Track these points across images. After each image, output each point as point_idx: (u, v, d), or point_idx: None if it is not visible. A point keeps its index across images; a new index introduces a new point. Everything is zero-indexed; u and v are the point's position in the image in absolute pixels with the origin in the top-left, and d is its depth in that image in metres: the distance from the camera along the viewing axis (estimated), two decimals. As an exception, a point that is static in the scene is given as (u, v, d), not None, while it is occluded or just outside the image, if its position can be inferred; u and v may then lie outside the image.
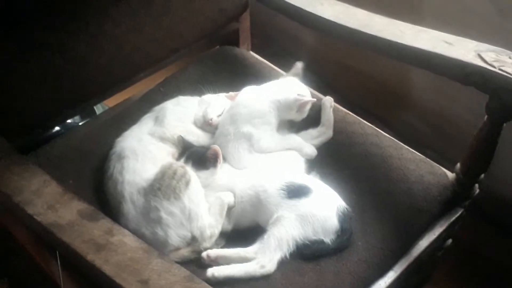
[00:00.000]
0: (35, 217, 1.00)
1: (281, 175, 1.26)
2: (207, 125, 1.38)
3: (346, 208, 1.22)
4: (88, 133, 1.46)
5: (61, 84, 1.33)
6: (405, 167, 1.36)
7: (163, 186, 1.19)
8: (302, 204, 1.20)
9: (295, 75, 1.47)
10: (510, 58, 1.18)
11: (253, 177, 1.27)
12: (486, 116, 1.23)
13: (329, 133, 1.42)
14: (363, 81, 2.09)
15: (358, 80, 2.11)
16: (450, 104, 1.85)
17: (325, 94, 1.51)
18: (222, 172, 1.29)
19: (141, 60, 1.48)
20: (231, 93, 1.44)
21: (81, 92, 1.39)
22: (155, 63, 1.53)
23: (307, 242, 1.17)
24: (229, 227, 1.25)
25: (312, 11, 1.40)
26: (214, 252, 1.18)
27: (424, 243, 1.31)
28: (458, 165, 1.35)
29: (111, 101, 1.65)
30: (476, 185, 1.37)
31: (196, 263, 1.18)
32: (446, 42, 1.25)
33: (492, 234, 1.85)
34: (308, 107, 1.38)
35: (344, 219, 1.20)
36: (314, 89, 1.55)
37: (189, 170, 1.23)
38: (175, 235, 1.19)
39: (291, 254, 1.17)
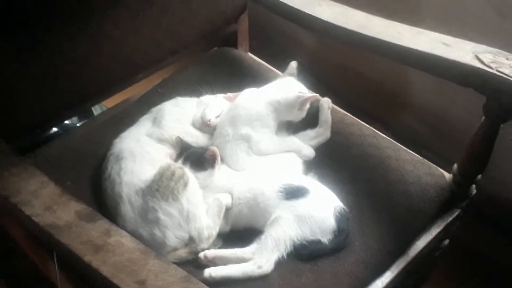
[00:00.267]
0: (32, 218, 1.01)
1: (278, 177, 1.26)
2: (205, 126, 1.39)
3: (343, 209, 1.23)
4: (86, 134, 1.46)
5: (60, 84, 1.33)
6: (402, 168, 1.36)
7: (161, 187, 1.19)
8: (299, 204, 1.20)
9: (290, 75, 1.46)
10: (507, 59, 1.18)
11: (251, 180, 1.27)
12: (483, 117, 1.23)
13: (327, 134, 1.42)
14: (361, 82, 2.09)
15: (356, 81, 2.11)
16: (447, 105, 1.85)
17: (323, 95, 1.51)
18: (220, 174, 1.29)
19: (140, 61, 1.48)
20: (229, 94, 1.45)
21: (80, 93, 1.39)
22: (153, 64, 1.54)
23: (305, 242, 1.18)
24: (226, 228, 1.25)
25: (310, 13, 1.41)
26: (211, 253, 1.18)
27: (421, 243, 1.32)
28: (455, 166, 1.35)
29: (109, 102, 1.65)
30: (473, 185, 1.38)
31: (193, 264, 1.18)
32: (444, 44, 1.25)
33: (489, 234, 1.85)
34: (308, 104, 1.38)
35: (341, 219, 1.20)
36: (312, 90, 1.54)
37: (187, 171, 1.23)
38: (173, 236, 1.19)
39: (288, 255, 1.17)
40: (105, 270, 0.92)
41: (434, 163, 1.40)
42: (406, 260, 1.29)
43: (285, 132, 1.41)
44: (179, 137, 1.33)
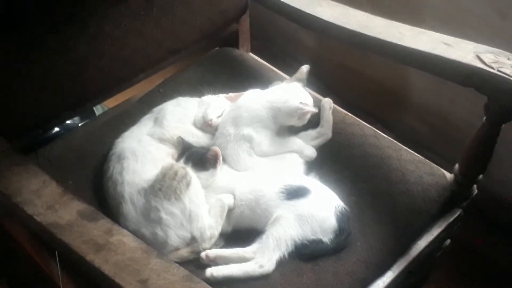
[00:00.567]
0: (34, 217, 1.01)
1: (280, 178, 1.27)
2: (206, 126, 1.39)
3: (344, 208, 1.23)
4: (87, 134, 1.46)
5: (61, 84, 1.33)
6: (404, 168, 1.36)
7: (163, 187, 1.19)
8: (300, 204, 1.20)
9: (299, 80, 1.45)
10: (508, 59, 1.18)
11: (253, 181, 1.27)
12: (484, 117, 1.23)
13: (328, 134, 1.43)
14: (362, 82, 2.10)
15: (358, 81, 2.11)
16: (449, 105, 1.85)
17: (324, 95, 1.51)
18: (222, 174, 1.29)
19: (141, 61, 1.48)
20: (230, 94, 1.45)
21: (81, 93, 1.39)
22: (155, 64, 1.54)
23: (306, 242, 1.18)
24: (228, 229, 1.25)
25: (311, 13, 1.41)
26: (213, 252, 1.18)
27: (422, 243, 1.32)
28: (457, 166, 1.35)
29: (111, 102, 1.65)
30: (475, 185, 1.37)
31: (195, 264, 1.18)
32: (445, 44, 1.25)
33: (490, 234, 1.86)
34: (309, 116, 1.37)
35: (342, 219, 1.20)
36: (314, 90, 1.55)
37: (190, 171, 1.23)
38: (175, 236, 1.19)
39: (289, 254, 1.17)
40: (107, 269, 0.92)
41: (435, 163, 1.40)
42: (407, 260, 1.28)
43: (287, 132, 1.41)
44: (180, 137, 1.33)
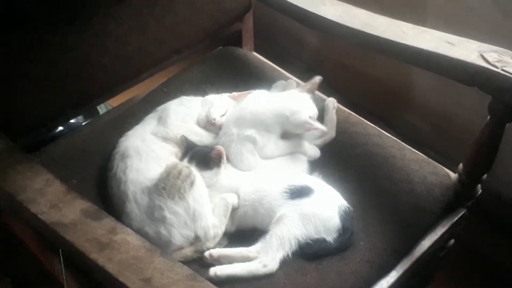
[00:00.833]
0: (38, 216, 1.01)
1: (283, 178, 1.27)
2: (210, 125, 1.38)
3: (348, 207, 1.23)
4: (91, 133, 1.47)
5: (64, 83, 1.34)
6: (407, 168, 1.36)
7: (167, 186, 1.19)
8: (304, 203, 1.20)
9: (310, 91, 1.40)
10: (512, 58, 1.18)
11: (257, 181, 1.27)
12: (488, 117, 1.23)
13: (332, 134, 1.43)
14: (366, 81, 2.10)
15: (361, 80, 2.11)
16: (452, 105, 1.85)
17: (328, 95, 1.51)
18: (226, 173, 1.29)
19: (144, 60, 1.48)
20: (234, 94, 1.44)
21: (84, 92, 1.39)
22: (158, 63, 1.54)
23: (309, 241, 1.18)
24: (232, 228, 1.25)
25: (314, 11, 1.40)
26: (217, 252, 1.18)
27: (426, 243, 1.31)
28: (461, 165, 1.35)
29: (114, 101, 1.65)
30: (479, 185, 1.37)
31: (199, 263, 1.18)
32: (449, 43, 1.25)
33: (494, 234, 1.85)
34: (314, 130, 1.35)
35: (345, 218, 1.20)
36: (317, 90, 1.55)
37: (194, 170, 1.23)
38: (179, 235, 1.19)
39: (293, 254, 1.17)
40: (111, 268, 0.92)
41: (439, 162, 1.40)
42: (411, 260, 1.28)
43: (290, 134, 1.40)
44: (183, 135, 1.33)
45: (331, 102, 1.46)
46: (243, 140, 1.33)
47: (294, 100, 1.36)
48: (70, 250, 0.98)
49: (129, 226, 1.13)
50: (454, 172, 1.38)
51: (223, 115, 1.38)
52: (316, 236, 1.18)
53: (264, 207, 1.22)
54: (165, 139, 1.34)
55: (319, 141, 1.41)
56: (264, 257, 1.15)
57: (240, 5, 1.64)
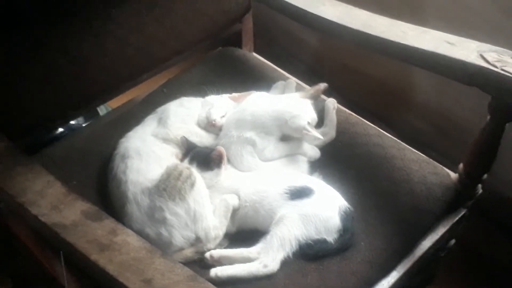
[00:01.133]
0: (39, 217, 1.01)
1: (283, 179, 1.27)
2: (210, 126, 1.38)
3: (348, 208, 1.23)
4: (91, 134, 1.47)
5: (64, 84, 1.34)
6: (408, 168, 1.36)
7: (168, 187, 1.19)
8: (304, 204, 1.20)
9: (313, 97, 1.40)
10: (512, 58, 1.18)
11: (257, 182, 1.27)
12: (488, 116, 1.23)
13: (332, 134, 1.43)
14: (366, 82, 2.09)
15: (361, 81, 2.11)
16: (452, 105, 1.85)
17: (328, 95, 1.51)
18: (226, 174, 1.29)
19: (144, 61, 1.48)
20: (234, 94, 1.44)
21: (84, 93, 1.39)
22: (158, 64, 1.54)
23: (310, 241, 1.18)
24: (233, 229, 1.25)
25: (315, 12, 1.40)
26: (217, 253, 1.18)
27: (427, 243, 1.31)
28: (461, 165, 1.35)
29: (114, 102, 1.65)
30: (479, 185, 1.37)
31: (199, 264, 1.18)
32: (449, 43, 1.25)
33: (495, 234, 1.85)
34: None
35: (346, 218, 1.20)
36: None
37: (195, 171, 1.23)
38: (179, 236, 1.19)
39: (294, 254, 1.17)
40: (111, 269, 0.92)
41: (439, 162, 1.40)
42: (412, 260, 1.28)
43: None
44: (184, 136, 1.33)
45: (331, 103, 1.46)
46: (243, 142, 1.33)
47: (294, 104, 1.36)
48: (71, 251, 0.98)
49: (130, 227, 1.13)
50: (455, 172, 1.38)
51: (223, 116, 1.38)
52: (316, 237, 1.18)
53: (264, 208, 1.22)
54: (166, 140, 1.35)
55: (319, 142, 1.40)
56: (265, 258, 1.15)
57: (239, 6, 1.64)
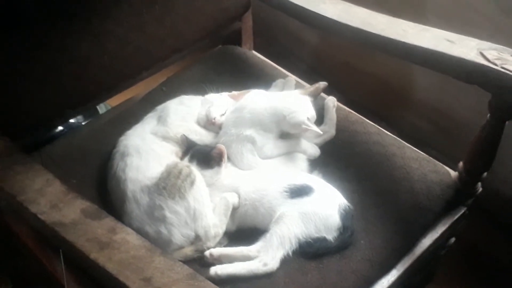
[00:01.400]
0: (38, 216, 1.01)
1: (283, 177, 1.27)
2: (210, 124, 1.38)
3: (348, 206, 1.23)
4: (91, 133, 1.47)
5: (63, 83, 1.33)
6: (408, 166, 1.36)
7: (168, 185, 1.19)
8: (304, 202, 1.20)
9: (312, 95, 1.40)
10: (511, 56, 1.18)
11: (257, 180, 1.27)
12: (488, 114, 1.23)
13: (332, 132, 1.43)
14: (366, 80, 2.09)
15: (361, 79, 2.11)
16: (452, 103, 1.85)
17: (327, 93, 1.51)
18: (226, 172, 1.29)
19: (143, 60, 1.48)
20: (234, 93, 1.44)
21: (84, 92, 1.39)
22: (157, 63, 1.54)
23: (310, 240, 1.18)
24: (233, 227, 1.25)
25: (314, 10, 1.40)
26: (217, 251, 1.18)
27: (427, 241, 1.31)
28: (461, 163, 1.35)
29: (114, 101, 1.65)
30: (479, 183, 1.37)
31: (199, 262, 1.18)
32: (448, 41, 1.25)
33: (495, 232, 1.85)
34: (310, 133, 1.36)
35: (346, 216, 1.20)
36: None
37: (194, 170, 1.23)
38: (179, 234, 1.19)
39: (293, 252, 1.17)
40: (111, 267, 0.92)
41: (439, 161, 1.40)
42: (412, 258, 1.28)
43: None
44: (184, 135, 1.33)
45: (331, 101, 1.46)
46: (243, 140, 1.33)
47: (293, 100, 1.35)
48: (71, 250, 0.98)
49: (129, 225, 1.13)
50: (454, 170, 1.38)
51: (223, 114, 1.38)
52: (316, 235, 1.18)
53: (264, 207, 1.22)
54: (165, 138, 1.35)
55: (319, 140, 1.40)
56: (265, 256, 1.15)
57: (239, 4, 1.64)
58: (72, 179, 1.30)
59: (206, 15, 1.56)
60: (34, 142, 1.40)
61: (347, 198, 1.25)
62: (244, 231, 1.24)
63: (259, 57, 1.71)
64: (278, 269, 1.16)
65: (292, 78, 1.57)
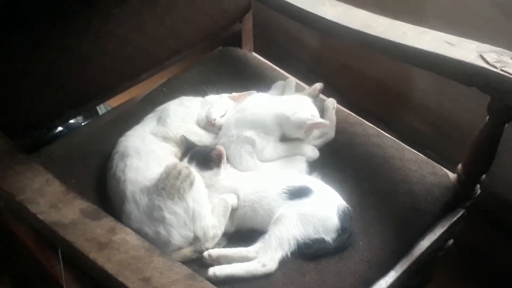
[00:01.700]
0: (38, 216, 1.01)
1: (282, 178, 1.27)
2: (210, 126, 1.39)
3: (347, 207, 1.23)
4: (90, 133, 1.47)
5: (63, 83, 1.34)
6: (406, 168, 1.36)
7: (167, 186, 1.19)
8: (303, 204, 1.20)
9: (311, 95, 1.43)
10: (511, 59, 1.18)
11: (256, 182, 1.27)
12: (487, 117, 1.23)
13: (331, 134, 1.43)
14: (365, 82, 2.10)
15: (360, 81, 2.11)
16: (451, 105, 1.85)
17: (327, 95, 1.51)
18: (225, 174, 1.29)
19: (143, 60, 1.48)
20: (234, 94, 1.45)
21: (84, 92, 1.39)
22: (157, 64, 1.54)
23: (308, 241, 1.18)
24: (231, 229, 1.25)
25: (314, 12, 1.41)
26: (216, 252, 1.18)
27: (425, 243, 1.31)
28: (460, 165, 1.35)
29: (114, 102, 1.65)
30: (478, 185, 1.38)
31: (198, 263, 1.18)
32: (448, 43, 1.25)
33: (494, 234, 1.85)
34: (316, 130, 1.37)
35: (344, 218, 1.20)
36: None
37: (194, 171, 1.24)
38: (178, 235, 1.19)
39: (292, 254, 1.17)
40: (110, 268, 0.92)
41: (438, 163, 1.40)
42: (410, 260, 1.28)
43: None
44: (183, 136, 1.33)
45: (331, 103, 1.47)
46: (242, 142, 1.33)
47: (295, 101, 1.37)
48: (70, 250, 0.98)
49: (128, 226, 1.13)
50: (453, 172, 1.38)
51: (223, 115, 1.38)
52: (315, 236, 1.18)
53: (263, 208, 1.23)
54: (165, 138, 1.35)
55: (318, 142, 1.41)
56: (263, 257, 1.15)
57: (239, 6, 1.64)
58: (72, 179, 1.30)
59: (206, 16, 1.56)
60: (34, 142, 1.40)
61: (346, 200, 1.25)
62: (243, 232, 1.24)
63: (259, 59, 1.71)
64: (277, 270, 1.16)
65: (293, 79, 1.57)
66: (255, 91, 1.43)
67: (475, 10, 1.64)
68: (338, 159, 1.39)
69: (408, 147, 1.43)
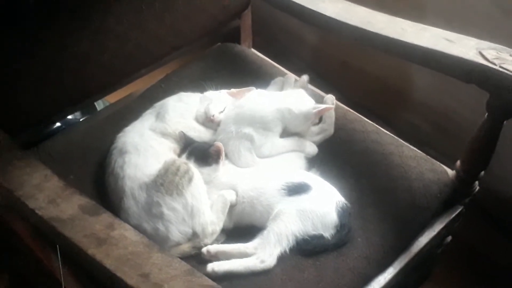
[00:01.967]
0: (36, 211, 1.01)
1: (281, 175, 1.27)
2: (208, 122, 1.39)
3: (345, 204, 1.23)
4: (89, 129, 1.47)
5: (62, 80, 1.34)
6: (405, 164, 1.36)
7: (166, 182, 1.19)
8: (301, 200, 1.20)
9: (302, 87, 1.46)
10: (511, 55, 1.18)
11: (255, 178, 1.27)
12: (486, 114, 1.23)
13: (330, 131, 1.43)
14: (364, 79, 2.10)
15: (359, 78, 2.11)
16: (450, 102, 1.85)
17: (326, 92, 1.51)
18: (224, 170, 1.29)
19: (143, 57, 1.48)
20: (232, 90, 1.44)
21: (83, 88, 1.39)
22: (156, 60, 1.54)
23: (307, 237, 1.18)
24: (230, 225, 1.25)
25: (313, 8, 1.41)
26: (214, 248, 1.18)
27: (424, 240, 1.32)
28: (458, 162, 1.35)
29: (112, 97, 1.65)
30: (476, 182, 1.38)
31: (196, 259, 1.18)
32: (447, 40, 1.25)
33: (491, 231, 1.86)
34: (313, 127, 1.39)
35: (343, 214, 1.21)
36: (316, 87, 1.55)
37: (192, 167, 1.23)
38: (177, 231, 1.19)
39: (291, 250, 1.17)
40: (109, 263, 0.92)
41: (436, 159, 1.40)
42: (409, 256, 1.29)
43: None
44: (182, 131, 1.33)
45: (330, 99, 1.46)
46: (241, 138, 1.33)
47: (293, 95, 1.38)
48: (68, 246, 0.98)
49: (127, 222, 1.13)
50: (452, 169, 1.38)
51: (222, 111, 1.38)
52: (313, 232, 1.18)
53: (262, 204, 1.23)
54: (164, 134, 1.35)
55: (317, 138, 1.41)
56: (262, 253, 1.15)
57: (238, 2, 1.64)
58: (70, 174, 1.30)
59: (205, 12, 1.56)
60: (32, 138, 1.40)
61: (344, 196, 1.25)
62: (242, 228, 1.24)
63: (258, 55, 1.71)
64: (275, 266, 1.16)
65: (291, 76, 1.57)
66: (254, 87, 1.43)
67: (474, 7, 1.64)
68: (337, 155, 1.39)
69: (407, 144, 1.43)
